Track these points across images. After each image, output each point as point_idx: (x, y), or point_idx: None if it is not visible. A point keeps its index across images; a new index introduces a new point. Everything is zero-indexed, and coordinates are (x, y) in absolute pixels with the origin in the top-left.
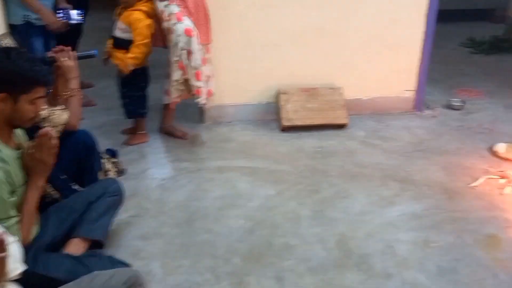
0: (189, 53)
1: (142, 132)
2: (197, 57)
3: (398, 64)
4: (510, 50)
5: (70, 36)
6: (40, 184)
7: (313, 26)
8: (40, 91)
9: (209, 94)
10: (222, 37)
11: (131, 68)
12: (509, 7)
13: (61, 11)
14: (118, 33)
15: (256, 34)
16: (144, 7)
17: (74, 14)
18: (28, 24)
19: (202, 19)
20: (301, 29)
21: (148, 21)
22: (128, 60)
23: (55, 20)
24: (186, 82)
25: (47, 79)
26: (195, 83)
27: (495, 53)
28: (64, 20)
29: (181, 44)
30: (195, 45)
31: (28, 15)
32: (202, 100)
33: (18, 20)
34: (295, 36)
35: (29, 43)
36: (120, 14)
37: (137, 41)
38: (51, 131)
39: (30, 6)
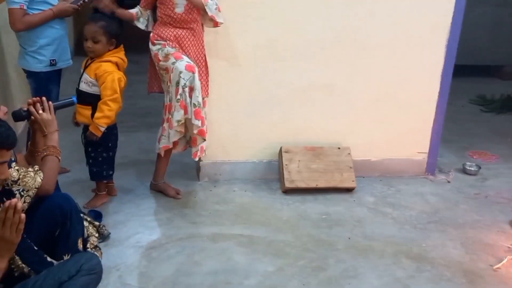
0: (191, 89)
1: (102, 193)
2: (198, 94)
3: (410, 124)
4: None
5: None
6: (1, 266)
7: (320, 82)
8: (3, 155)
9: (201, 150)
10: (223, 90)
11: (103, 129)
12: None
13: None
14: (84, 87)
15: (259, 88)
16: (114, 57)
17: None
18: (49, 71)
19: (201, 71)
20: (307, 85)
21: (118, 74)
22: (98, 120)
23: (68, 7)
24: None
25: (10, 141)
26: (195, 122)
27: (506, 112)
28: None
29: (183, 82)
30: (197, 82)
31: (53, 59)
32: (198, 149)
33: (40, 67)
34: (301, 92)
35: (48, 90)
36: (87, 66)
37: (106, 97)
38: (18, 203)
39: (40, 21)
